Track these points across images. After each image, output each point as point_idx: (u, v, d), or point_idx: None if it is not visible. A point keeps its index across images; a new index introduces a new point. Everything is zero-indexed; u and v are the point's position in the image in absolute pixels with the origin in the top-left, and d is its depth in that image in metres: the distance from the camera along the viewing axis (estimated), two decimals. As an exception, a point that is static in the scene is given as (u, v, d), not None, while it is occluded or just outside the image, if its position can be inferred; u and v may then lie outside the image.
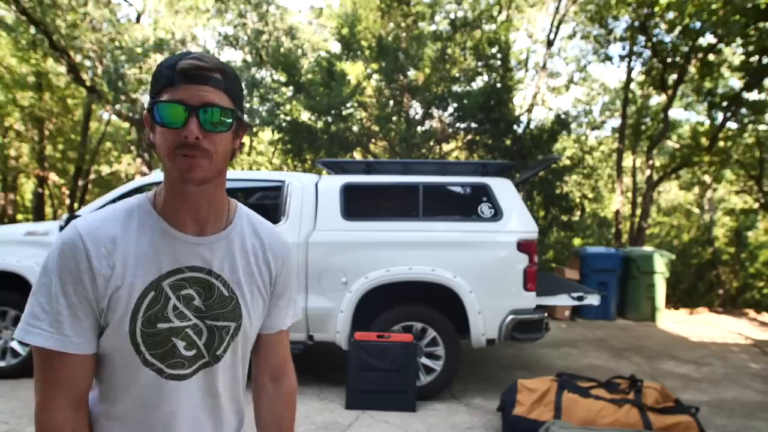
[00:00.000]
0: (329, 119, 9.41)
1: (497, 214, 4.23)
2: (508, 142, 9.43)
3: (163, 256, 0.93)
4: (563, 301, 4.52)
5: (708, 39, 9.27)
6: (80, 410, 0.92)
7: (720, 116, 10.15)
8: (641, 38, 9.98)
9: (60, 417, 0.88)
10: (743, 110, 9.93)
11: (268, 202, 5.00)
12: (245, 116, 0.96)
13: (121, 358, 0.92)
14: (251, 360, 1.13)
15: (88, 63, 11.56)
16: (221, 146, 0.90)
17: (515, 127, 9.53)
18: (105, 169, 16.45)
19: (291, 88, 9.99)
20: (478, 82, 10.24)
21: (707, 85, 10.03)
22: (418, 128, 9.99)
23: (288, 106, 10.09)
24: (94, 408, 0.97)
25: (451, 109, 10.01)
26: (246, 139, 15.47)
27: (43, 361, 0.88)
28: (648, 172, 11.21)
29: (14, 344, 4.49)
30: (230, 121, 0.90)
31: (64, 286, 0.87)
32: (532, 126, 10.18)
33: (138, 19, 12.80)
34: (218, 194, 0.97)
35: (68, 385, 0.89)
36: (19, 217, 15.96)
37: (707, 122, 11.00)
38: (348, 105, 9.60)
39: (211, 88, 0.88)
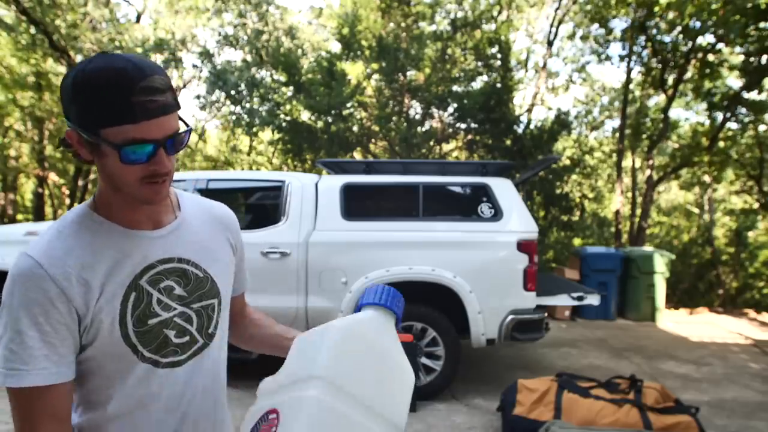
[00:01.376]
0: (329, 119, 9.41)
1: (497, 214, 4.23)
2: (508, 142, 9.43)
3: (134, 257, 0.93)
4: (563, 301, 4.52)
5: (708, 39, 9.27)
6: (65, 425, 0.89)
7: (720, 116, 10.15)
8: (641, 38, 9.98)
9: None
10: (743, 110, 9.93)
11: (268, 202, 5.00)
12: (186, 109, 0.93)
13: (114, 362, 0.92)
14: None
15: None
16: (174, 161, 0.91)
17: (515, 127, 9.53)
18: (105, 169, 16.43)
19: (291, 88, 10.00)
20: (478, 82, 10.25)
21: (707, 84, 10.02)
22: (418, 128, 10.00)
23: (288, 106, 10.09)
24: (87, 418, 0.96)
25: (451, 109, 10.02)
26: (246, 139, 15.53)
27: (24, 398, 0.84)
28: (648, 172, 11.21)
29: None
30: (187, 135, 0.91)
31: (34, 318, 0.84)
32: (532, 126, 10.18)
33: (138, 19, 12.81)
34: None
35: (51, 414, 0.86)
36: (19, 217, 15.96)
37: (707, 122, 11.00)
38: (348, 105, 9.61)
39: (170, 115, 0.85)
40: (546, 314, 4.33)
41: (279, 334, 1.18)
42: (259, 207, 5.28)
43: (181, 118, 0.90)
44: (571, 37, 13.69)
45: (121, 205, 0.93)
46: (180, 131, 0.88)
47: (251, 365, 4.08)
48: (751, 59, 8.78)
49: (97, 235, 0.92)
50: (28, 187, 16.81)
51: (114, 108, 0.80)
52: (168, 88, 0.85)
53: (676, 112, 17.11)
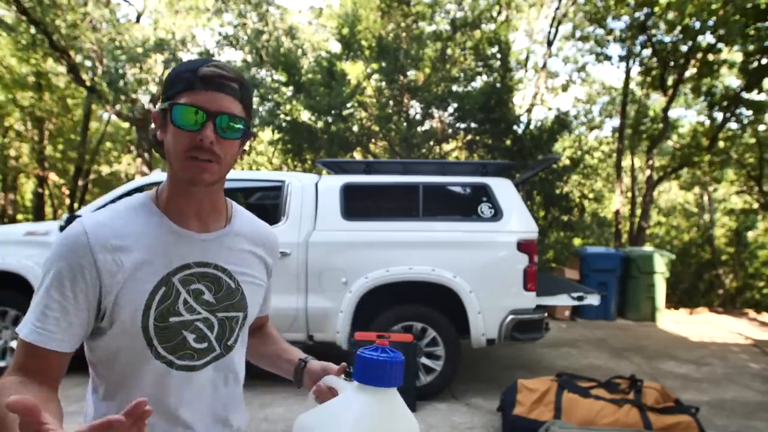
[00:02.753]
0: (329, 119, 9.41)
1: (497, 214, 4.23)
2: (508, 142, 9.43)
3: (172, 253, 0.96)
4: (563, 301, 4.52)
5: (708, 39, 9.27)
6: (49, 387, 0.89)
7: (720, 116, 10.15)
8: (641, 38, 9.98)
9: (9, 378, 0.86)
10: (743, 110, 9.93)
11: (268, 202, 5.00)
12: (253, 125, 1.00)
13: (129, 355, 0.94)
14: None
15: (88, 63, 11.57)
16: (230, 152, 0.94)
17: (515, 127, 9.53)
18: (105, 169, 16.45)
19: (291, 88, 9.99)
20: (478, 82, 10.24)
21: (707, 83, 10.02)
22: (418, 128, 9.99)
23: (288, 106, 10.09)
24: (97, 409, 0.97)
25: (451, 109, 10.02)
26: (246, 139, 15.48)
27: (22, 348, 0.88)
28: (648, 172, 11.21)
29: (14, 344, 4.49)
30: (242, 128, 0.94)
31: (61, 280, 0.88)
32: (532, 126, 10.18)
33: (138, 19, 12.80)
34: (219, 195, 1.03)
35: (38, 376, 0.87)
36: (19, 217, 15.96)
37: (707, 122, 11.01)
38: (348, 105, 9.61)
39: (229, 96, 0.92)
40: (546, 314, 4.32)
41: (277, 354, 1.20)
42: (259, 207, 5.28)
43: (245, 118, 0.95)
44: (569, 38, 13.70)
45: (174, 194, 0.97)
46: (237, 118, 0.92)
47: (250, 365, 4.09)
48: (751, 59, 8.78)
49: (147, 223, 0.96)
50: (28, 187, 16.81)
51: (182, 77, 0.91)
52: (236, 79, 0.93)
53: (676, 112, 17.11)
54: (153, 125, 0.97)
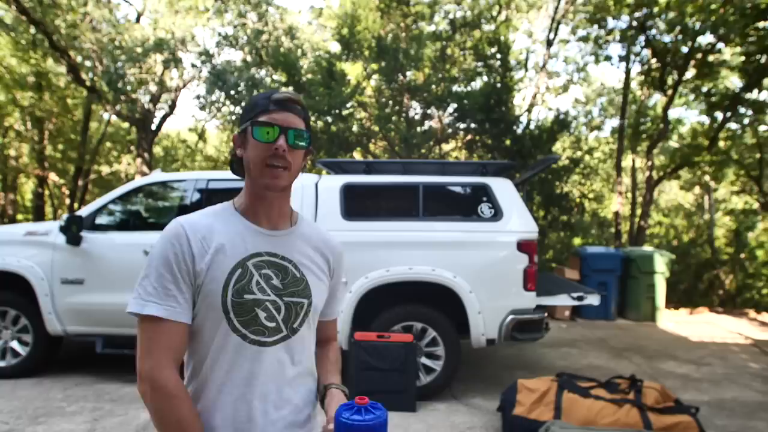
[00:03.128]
0: (329, 119, 9.40)
1: (497, 214, 4.23)
2: (508, 142, 9.42)
3: (247, 243, 1.16)
4: (563, 301, 4.51)
5: (707, 39, 9.27)
6: (177, 356, 1.10)
7: (720, 116, 10.15)
8: (641, 38, 9.98)
9: (173, 375, 1.07)
10: (743, 110, 9.93)
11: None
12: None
13: (212, 327, 1.12)
14: None
15: (88, 63, 11.56)
16: (297, 161, 1.17)
17: (515, 127, 9.52)
18: (105, 169, 16.46)
19: (291, 88, 9.99)
20: (478, 82, 10.24)
21: (707, 84, 10.02)
22: (418, 128, 9.99)
23: (288, 106, 10.06)
24: (194, 384, 1.15)
25: (450, 109, 10.01)
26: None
27: (153, 330, 1.07)
28: (648, 172, 11.21)
29: (14, 344, 4.49)
30: (306, 140, 1.17)
31: (170, 265, 1.09)
32: (532, 126, 10.17)
33: (138, 19, 12.79)
34: (286, 201, 1.24)
35: (173, 349, 1.08)
36: (19, 217, 15.95)
37: (707, 122, 11.00)
38: (348, 105, 9.60)
39: (296, 115, 1.16)
40: (546, 314, 4.32)
41: (318, 373, 1.32)
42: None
43: (309, 133, 1.19)
44: (567, 41, 13.70)
45: (250, 200, 1.20)
46: (303, 132, 1.16)
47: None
48: (751, 59, 8.78)
49: (227, 221, 1.18)
50: (28, 187, 16.80)
51: (259, 103, 1.17)
52: (300, 102, 1.18)
53: (676, 112, 17.12)
54: (233, 145, 1.21)
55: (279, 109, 1.14)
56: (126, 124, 15.28)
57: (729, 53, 9.96)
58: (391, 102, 10.22)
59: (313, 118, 9.76)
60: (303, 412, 1.21)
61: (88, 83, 11.26)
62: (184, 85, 12.89)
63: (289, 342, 1.17)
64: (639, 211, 11.55)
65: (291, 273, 1.19)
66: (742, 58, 9.07)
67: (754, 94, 9.51)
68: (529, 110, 12.37)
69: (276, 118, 1.13)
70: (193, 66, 11.85)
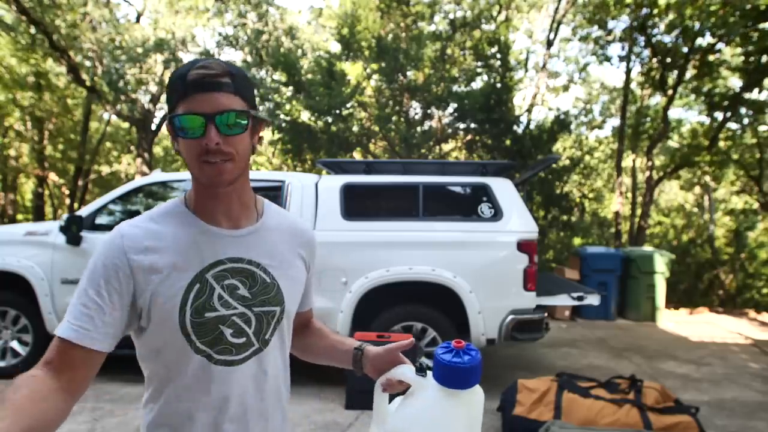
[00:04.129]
0: (329, 119, 9.41)
1: (497, 214, 4.23)
2: (508, 142, 9.43)
3: (204, 250, 0.98)
4: (563, 301, 4.52)
5: (707, 39, 9.27)
6: (78, 386, 0.91)
7: (720, 116, 10.15)
8: (641, 38, 9.98)
9: (30, 373, 0.88)
10: (743, 110, 9.93)
11: (268, 202, 4.98)
12: (260, 111, 1.01)
13: (172, 351, 0.97)
14: None
15: (88, 63, 11.56)
16: (241, 146, 0.96)
17: (515, 127, 9.52)
18: (105, 169, 16.47)
19: (291, 88, 9.99)
20: (478, 82, 10.24)
21: (707, 84, 10.02)
22: (418, 128, 9.99)
23: (288, 106, 10.08)
24: (151, 405, 1.01)
25: (450, 109, 10.02)
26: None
27: (55, 345, 0.90)
28: (648, 172, 11.21)
29: (14, 344, 4.49)
30: (245, 122, 0.95)
31: (96, 279, 0.92)
32: (532, 126, 10.18)
33: (138, 19, 12.80)
34: (245, 190, 1.05)
35: (66, 373, 0.88)
36: (19, 217, 15.95)
37: (707, 122, 11.01)
38: (348, 105, 9.60)
39: (223, 93, 0.92)
40: (546, 314, 4.32)
41: (333, 346, 1.23)
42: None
43: (246, 110, 0.95)
44: (568, 40, 13.69)
45: (201, 197, 1.01)
46: (237, 113, 0.93)
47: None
48: (751, 59, 8.78)
49: (179, 224, 1.00)
50: (28, 187, 16.80)
51: (175, 87, 0.94)
52: (226, 73, 0.93)
53: (676, 112, 17.12)
54: (171, 139, 1.00)
55: (198, 92, 0.91)
56: (126, 124, 15.28)
57: (729, 53, 9.96)
58: (391, 102, 10.22)
59: (313, 118, 9.77)
60: (282, 429, 1.10)
61: (88, 83, 11.26)
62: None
63: (261, 355, 1.03)
64: (639, 211, 11.55)
65: (260, 279, 1.02)
66: (742, 58, 9.07)
67: (754, 94, 9.51)
68: (529, 110, 12.37)
69: (197, 105, 0.91)
70: (194, 66, 11.83)
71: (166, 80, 12.34)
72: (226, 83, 0.93)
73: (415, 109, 10.46)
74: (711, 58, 9.49)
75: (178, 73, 0.94)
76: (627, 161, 14.25)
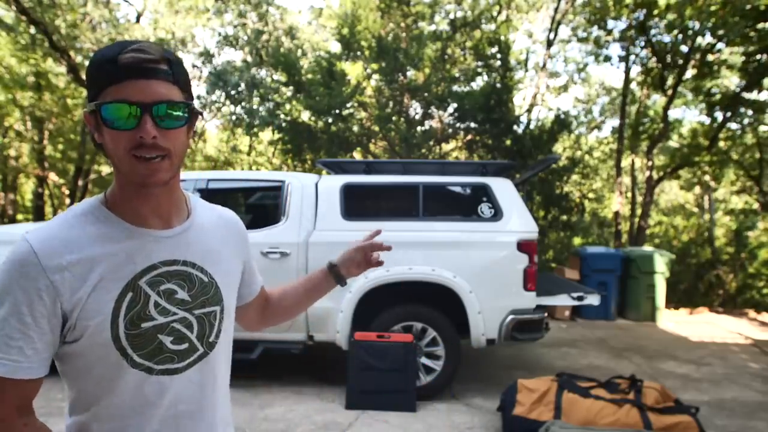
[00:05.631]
0: (329, 119, 9.41)
1: (497, 214, 4.23)
2: (508, 142, 9.43)
3: (135, 256, 0.89)
4: (563, 301, 4.51)
5: (707, 39, 9.27)
6: (28, 417, 0.89)
7: (720, 116, 10.15)
8: (640, 38, 9.98)
9: (30, 421, 0.89)
10: (743, 110, 9.93)
11: (268, 202, 5.00)
12: (194, 102, 0.92)
13: (103, 367, 0.88)
14: (243, 313, 1.21)
15: (87, 63, 11.56)
16: (178, 142, 0.87)
17: (515, 127, 9.52)
18: (105, 169, 16.45)
19: (291, 88, 10.00)
20: (478, 82, 10.25)
21: (707, 84, 10.02)
22: (418, 128, 10.00)
23: (288, 106, 10.09)
24: (76, 418, 0.94)
25: (451, 109, 10.02)
26: (246, 139, 15.57)
27: None
28: (648, 172, 11.21)
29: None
30: (185, 115, 0.87)
31: (18, 307, 0.82)
32: (532, 126, 10.18)
33: (138, 19, 12.80)
34: (177, 188, 0.97)
35: (17, 405, 0.86)
36: (19, 217, 15.96)
37: (707, 122, 11.01)
38: (348, 105, 9.60)
39: (161, 81, 0.83)
40: (546, 314, 4.32)
41: (305, 288, 1.27)
42: (259, 207, 5.28)
43: (186, 102, 0.87)
44: (567, 41, 13.70)
45: (127, 196, 0.91)
46: (174, 102, 0.84)
47: (250, 365, 4.08)
48: (751, 59, 8.78)
49: (101, 229, 0.89)
50: (28, 187, 16.81)
51: (103, 70, 0.82)
52: (163, 59, 0.84)
53: (676, 112, 17.13)
54: (88, 128, 0.88)
55: (132, 77, 0.81)
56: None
57: (729, 53, 9.96)
58: (391, 102, 10.22)
59: (313, 118, 9.78)
60: None
61: (88, 83, 11.24)
62: (185, 85, 12.89)
63: (208, 359, 0.97)
64: (639, 211, 11.55)
65: (197, 279, 0.95)
66: (742, 58, 9.07)
67: (754, 94, 9.51)
68: (529, 110, 12.37)
69: (130, 93, 0.80)
70: (194, 66, 11.86)
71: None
72: (164, 70, 0.83)
73: (415, 109, 10.47)
74: (711, 57, 9.49)
75: (105, 54, 0.82)
76: (627, 161, 14.26)
